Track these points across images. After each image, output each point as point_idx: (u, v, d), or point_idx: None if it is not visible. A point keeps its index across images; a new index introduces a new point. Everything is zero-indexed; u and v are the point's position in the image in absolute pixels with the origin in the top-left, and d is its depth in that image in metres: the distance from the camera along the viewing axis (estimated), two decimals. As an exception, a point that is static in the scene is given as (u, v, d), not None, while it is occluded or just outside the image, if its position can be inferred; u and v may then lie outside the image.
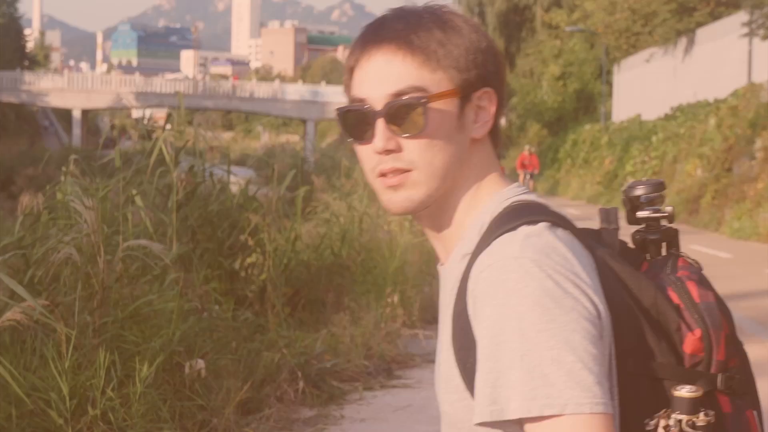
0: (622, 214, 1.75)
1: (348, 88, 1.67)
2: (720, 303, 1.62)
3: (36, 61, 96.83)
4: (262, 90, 78.55)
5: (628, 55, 45.38)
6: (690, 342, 1.56)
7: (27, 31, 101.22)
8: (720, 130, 28.55)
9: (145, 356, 5.67)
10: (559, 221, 1.56)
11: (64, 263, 5.81)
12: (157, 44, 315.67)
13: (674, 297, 1.59)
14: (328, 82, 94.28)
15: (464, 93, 1.63)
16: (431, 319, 10.28)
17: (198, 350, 6.45)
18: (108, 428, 5.30)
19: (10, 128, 73.97)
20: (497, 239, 1.53)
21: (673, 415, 1.51)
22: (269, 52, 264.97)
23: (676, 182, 30.37)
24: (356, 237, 11.07)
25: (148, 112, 38.23)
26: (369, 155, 1.63)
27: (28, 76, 75.14)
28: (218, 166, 10.27)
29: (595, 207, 34.89)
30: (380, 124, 1.60)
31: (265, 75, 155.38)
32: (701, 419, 1.50)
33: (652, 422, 1.51)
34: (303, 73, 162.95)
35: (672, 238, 1.74)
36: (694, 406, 1.51)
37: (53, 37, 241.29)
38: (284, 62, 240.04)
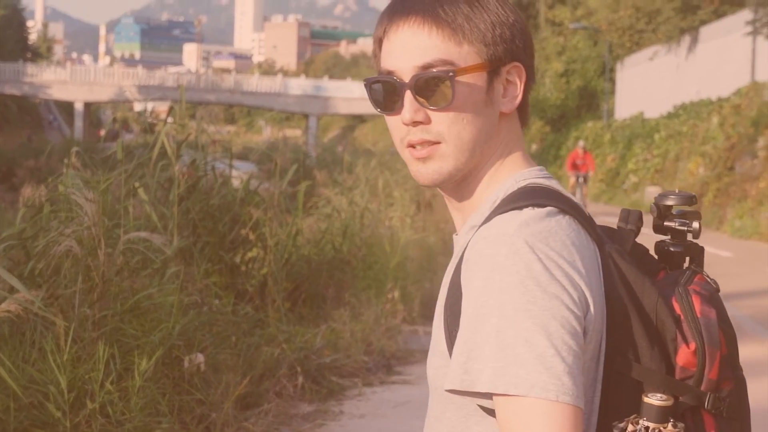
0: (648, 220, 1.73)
1: (377, 59, 1.68)
2: (724, 323, 1.59)
3: (38, 53, 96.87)
4: (265, 84, 78.51)
5: (632, 53, 45.35)
6: (683, 354, 1.54)
7: (30, 23, 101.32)
8: (722, 128, 28.55)
9: (145, 350, 5.66)
10: (569, 209, 1.55)
11: (65, 256, 5.80)
12: (160, 37, 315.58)
13: (676, 307, 1.57)
14: (331, 77, 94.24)
15: (492, 67, 1.63)
16: (431, 315, 10.24)
17: (197, 344, 6.44)
18: (106, 422, 5.29)
19: (12, 120, 74.04)
20: (501, 215, 1.53)
21: (641, 421, 1.48)
22: (272, 46, 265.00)
23: (678, 180, 30.35)
24: (357, 232, 11.06)
25: (150, 105, 38.20)
26: (398, 126, 1.64)
27: (30, 68, 75.11)
28: (220, 160, 10.23)
29: (597, 205, 34.91)
30: (408, 96, 1.61)
31: (267, 69, 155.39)
32: (668, 429, 1.47)
33: (621, 425, 1.49)
34: (306, 67, 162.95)
35: (696, 254, 1.71)
36: (662, 414, 1.48)
37: (56, 30, 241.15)
38: (287, 57, 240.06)
